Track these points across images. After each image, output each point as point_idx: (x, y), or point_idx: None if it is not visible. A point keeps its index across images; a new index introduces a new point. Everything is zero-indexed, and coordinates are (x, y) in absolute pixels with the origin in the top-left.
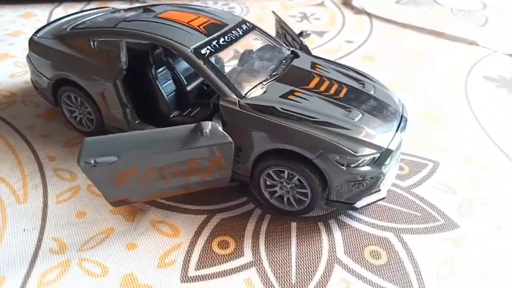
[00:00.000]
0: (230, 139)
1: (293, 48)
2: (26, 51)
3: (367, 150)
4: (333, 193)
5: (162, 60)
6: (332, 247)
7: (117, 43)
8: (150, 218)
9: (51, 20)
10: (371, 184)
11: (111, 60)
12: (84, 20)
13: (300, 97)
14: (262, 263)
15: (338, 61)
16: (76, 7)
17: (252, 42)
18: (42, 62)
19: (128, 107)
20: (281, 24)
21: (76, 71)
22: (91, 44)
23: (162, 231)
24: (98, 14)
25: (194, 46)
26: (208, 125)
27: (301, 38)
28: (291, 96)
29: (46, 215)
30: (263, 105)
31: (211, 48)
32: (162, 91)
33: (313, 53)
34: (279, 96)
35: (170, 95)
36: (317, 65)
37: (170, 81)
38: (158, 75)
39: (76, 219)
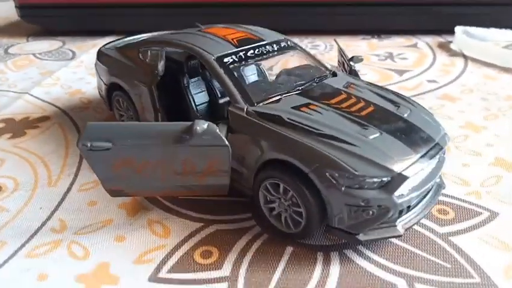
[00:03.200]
0: (226, 142)
1: (336, 70)
2: None
3: (372, 171)
4: (333, 218)
5: (197, 71)
6: (322, 280)
7: (157, 52)
8: (149, 217)
9: None
10: (379, 214)
11: (150, 68)
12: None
13: (313, 110)
14: (236, 280)
15: (412, 97)
16: None
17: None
18: (102, 68)
19: (160, 113)
20: (341, 53)
21: (122, 76)
22: (138, 52)
23: (154, 231)
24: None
25: (218, 55)
26: (202, 124)
27: (351, 63)
28: (303, 108)
29: (64, 198)
30: (270, 113)
31: (236, 58)
32: (192, 99)
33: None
34: (291, 107)
35: (202, 105)
36: (352, 85)
37: (204, 92)
38: (190, 83)
39: (86, 207)
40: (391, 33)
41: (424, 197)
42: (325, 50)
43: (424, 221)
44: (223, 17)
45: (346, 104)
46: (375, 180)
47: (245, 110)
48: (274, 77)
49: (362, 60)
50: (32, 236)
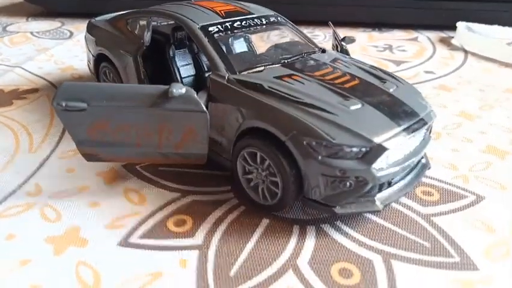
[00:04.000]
0: (204, 108)
1: (325, 48)
2: None
3: (350, 140)
4: (310, 189)
5: (184, 43)
6: (296, 252)
7: (144, 22)
8: (126, 186)
9: None
10: (357, 186)
11: (137, 38)
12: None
13: (296, 80)
14: (208, 249)
15: None
16: None
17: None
18: (91, 40)
19: (145, 84)
20: (334, 35)
21: (109, 46)
22: (127, 23)
23: (130, 199)
24: None
25: (203, 24)
26: (179, 87)
27: (342, 42)
28: (286, 78)
29: (43, 164)
30: (250, 81)
31: (221, 28)
32: (177, 71)
33: None
34: (273, 77)
35: (188, 78)
36: (338, 60)
37: (190, 65)
38: (176, 55)
39: (65, 173)
40: (392, 27)
41: (407, 174)
42: (324, 39)
43: (406, 201)
44: None
45: (330, 77)
46: (353, 149)
47: (226, 77)
48: (263, 51)
49: (354, 40)
50: (5, 198)
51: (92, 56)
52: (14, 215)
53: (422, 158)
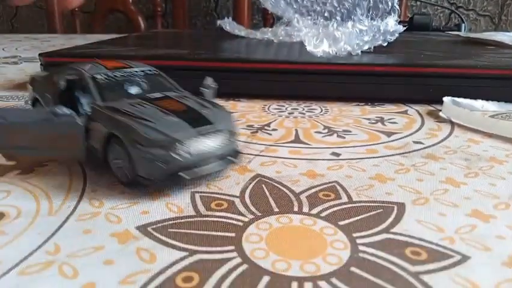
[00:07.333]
0: (79, 122)
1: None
2: None
3: (159, 136)
4: (138, 169)
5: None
6: None
7: (64, 75)
8: (139, 245)
9: None
10: (167, 166)
11: (56, 84)
12: None
13: (141, 105)
14: None
15: (397, 155)
16: None
17: None
18: (30, 89)
19: None
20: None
21: (39, 92)
22: (52, 76)
23: (142, 257)
24: None
25: (93, 74)
26: (62, 108)
27: (201, 88)
28: (135, 104)
29: (62, 226)
30: (112, 106)
31: (106, 76)
32: (80, 104)
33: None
34: (128, 104)
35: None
36: (185, 97)
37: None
38: (80, 95)
39: (82, 234)
40: (384, 101)
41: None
42: (320, 113)
43: (396, 260)
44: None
45: (165, 104)
46: (160, 142)
47: (99, 105)
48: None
49: (213, 87)
50: (26, 257)
51: (30, 100)
52: (35, 272)
53: (231, 156)
